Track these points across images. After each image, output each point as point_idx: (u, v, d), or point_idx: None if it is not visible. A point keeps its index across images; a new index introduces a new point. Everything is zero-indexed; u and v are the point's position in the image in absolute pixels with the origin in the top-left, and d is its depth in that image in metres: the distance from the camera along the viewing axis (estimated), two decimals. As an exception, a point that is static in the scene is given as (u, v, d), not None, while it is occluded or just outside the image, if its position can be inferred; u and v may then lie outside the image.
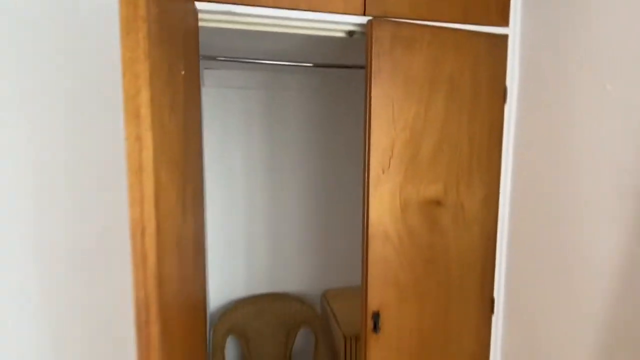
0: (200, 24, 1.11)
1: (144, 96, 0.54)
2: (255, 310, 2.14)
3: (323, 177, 2.28)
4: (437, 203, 1.27)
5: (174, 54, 0.77)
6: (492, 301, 1.40)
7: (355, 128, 2.24)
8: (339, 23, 1.18)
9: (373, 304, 1.23)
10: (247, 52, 1.77)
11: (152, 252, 0.57)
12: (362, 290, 1.24)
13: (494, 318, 1.41)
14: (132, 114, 0.53)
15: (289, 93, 2.17)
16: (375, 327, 1.24)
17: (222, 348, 1.95)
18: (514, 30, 1.29)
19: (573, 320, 1.09)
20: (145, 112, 0.54)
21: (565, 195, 1.11)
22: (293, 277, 2.31)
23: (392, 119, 1.17)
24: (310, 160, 2.25)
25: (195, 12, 1.06)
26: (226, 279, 2.19)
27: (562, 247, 1.12)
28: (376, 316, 1.23)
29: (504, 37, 1.28)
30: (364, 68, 1.17)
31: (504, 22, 1.28)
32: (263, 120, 2.16)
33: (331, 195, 2.31)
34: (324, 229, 2.33)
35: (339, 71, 2.08)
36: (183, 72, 0.85)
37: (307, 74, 2.16)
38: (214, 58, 1.64)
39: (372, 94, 1.15)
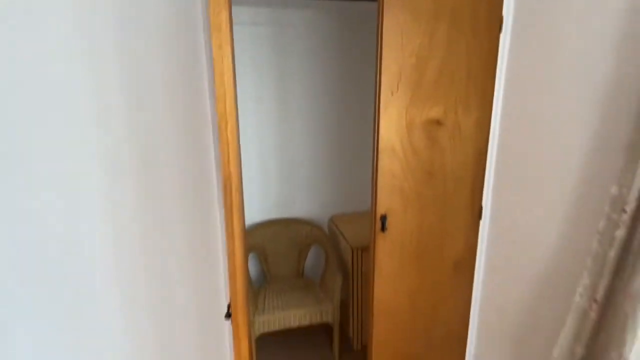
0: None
1: (224, 15, 0.70)
2: (271, 232, 2.42)
3: (332, 111, 2.45)
4: (438, 123, 1.47)
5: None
6: (481, 209, 1.65)
7: (362, 62, 2.37)
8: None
9: (381, 209, 1.48)
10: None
11: (233, 139, 0.78)
12: (372, 196, 1.48)
13: (481, 223, 1.67)
14: (216, 28, 0.70)
15: (297, 29, 2.27)
16: (383, 228, 1.49)
17: (246, 263, 2.25)
18: (512, -37, 1.40)
19: (546, 221, 1.34)
20: (225, 27, 0.71)
21: (548, 116, 1.30)
22: (303, 205, 2.57)
23: (400, 47, 1.32)
24: (320, 93, 2.40)
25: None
26: (246, 207, 2.44)
27: (541, 160, 1.34)
28: (384, 218, 1.48)
29: (503, -30, 1.40)
30: (376, 0, 1.30)
31: (504, -46, 1.39)
32: (272, 54, 2.27)
33: (339, 131, 2.50)
34: (332, 161, 2.55)
35: (348, 6, 2.17)
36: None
37: (316, 10, 2.24)
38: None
39: (384, 24, 1.29)
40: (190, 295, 1.39)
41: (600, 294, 1.01)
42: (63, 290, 1.18)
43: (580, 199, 1.20)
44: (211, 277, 1.42)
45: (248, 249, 2.33)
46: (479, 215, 1.66)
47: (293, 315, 2.06)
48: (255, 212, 2.47)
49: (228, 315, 1.03)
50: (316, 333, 2.49)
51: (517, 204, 1.48)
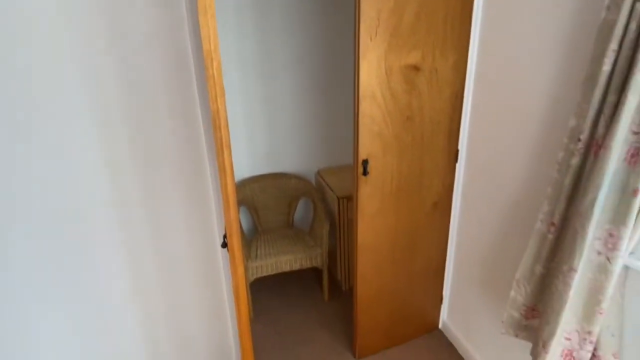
0: None
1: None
2: (260, 187, 2.50)
3: (316, 64, 2.46)
4: (416, 68, 1.51)
5: None
6: (457, 152, 1.75)
7: (344, 12, 2.35)
8: None
9: (363, 153, 1.55)
10: None
11: (219, 76, 0.82)
12: (353, 142, 1.55)
13: (457, 165, 1.78)
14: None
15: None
16: (365, 172, 1.58)
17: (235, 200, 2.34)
18: None
19: (515, 157, 1.44)
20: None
21: (519, 57, 1.36)
22: (289, 159, 2.63)
23: (378, -10, 1.34)
24: (303, 45, 2.39)
25: None
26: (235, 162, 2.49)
27: (512, 100, 1.42)
28: (365, 163, 1.57)
29: None
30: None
31: None
32: (253, 11, 2.23)
33: (324, 84, 2.52)
34: (317, 115, 2.59)
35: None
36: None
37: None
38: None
39: (361, -33, 1.30)
40: (185, 235, 1.48)
41: (557, 217, 1.13)
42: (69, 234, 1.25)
43: (545, 133, 1.29)
44: (205, 215, 1.51)
45: (238, 202, 2.41)
46: (456, 158, 1.76)
47: (285, 260, 2.19)
48: (244, 167, 2.53)
49: (224, 244, 1.12)
50: (307, 277, 2.65)
51: (489, 144, 1.58)
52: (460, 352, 1.95)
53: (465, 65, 1.59)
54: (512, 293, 1.30)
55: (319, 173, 2.63)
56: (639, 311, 1.05)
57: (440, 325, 2.13)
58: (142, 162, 1.31)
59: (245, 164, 2.53)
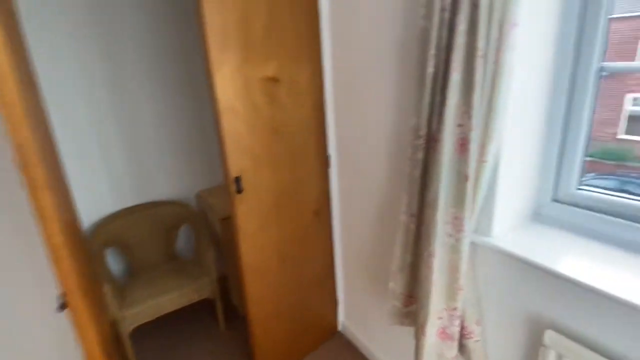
0: None
1: None
2: (130, 221, 2.20)
3: (174, 83, 2.28)
4: (275, 80, 1.50)
5: None
6: (328, 157, 1.80)
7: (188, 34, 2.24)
8: None
9: (234, 171, 1.47)
10: None
11: (17, 100, 0.65)
12: (222, 159, 1.46)
13: (330, 171, 1.83)
14: None
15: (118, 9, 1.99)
16: (239, 189, 1.50)
17: (102, 260, 2.01)
18: None
19: (377, 157, 1.54)
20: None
21: (363, 66, 1.46)
22: (162, 186, 2.39)
23: (221, 1, 1.28)
24: (156, 65, 2.19)
25: None
26: (91, 199, 2.14)
27: (366, 106, 1.51)
28: (238, 180, 1.49)
29: None
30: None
31: None
32: (98, 37, 1.96)
33: (186, 102, 2.35)
34: (185, 136, 2.40)
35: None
36: None
37: None
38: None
39: (200, -23, 1.23)
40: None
41: (414, 208, 1.23)
42: None
43: (397, 133, 1.41)
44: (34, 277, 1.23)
45: (103, 243, 2.08)
46: (328, 164, 1.81)
47: (167, 300, 1.96)
48: (107, 202, 2.19)
49: (63, 306, 0.91)
50: (200, 308, 2.43)
51: (356, 147, 1.66)
52: (361, 349, 2.01)
53: (322, 76, 1.64)
54: (391, 284, 1.38)
55: (199, 195, 2.45)
56: (488, 279, 1.20)
57: (339, 328, 2.16)
58: None
59: (108, 198, 2.20)
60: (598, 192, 1.12)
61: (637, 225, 1.00)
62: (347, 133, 1.70)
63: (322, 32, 1.59)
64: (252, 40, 1.40)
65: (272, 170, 1.58)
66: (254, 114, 1.47)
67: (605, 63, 1.03)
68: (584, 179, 1.16)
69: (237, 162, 1.47)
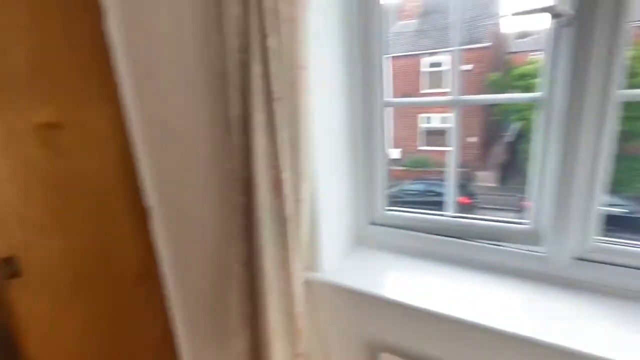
0: None
1: None
2: None
3: None
4: (56, 127, 1.20)
5: None
6: (148, 209, 1.55)
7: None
8: None
9: (2, 251, 1.09)
10: None
11: None
12: (-23, 240, 1.06)
13: (153, 223, 1.58)
14: None
15: None
16: (15, 273, 1.12)
17: None
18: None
19: (199, 203, 1.39)
20: None
21: (173, 108, 1.31)
22: None
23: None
24: None
25: None
26: None
27: (184, 152, 1.36)
28: (11, 261, 1.11)
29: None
30: None
31: None
32: None
33: None
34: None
35: None
36: None
37: None
38: None
39: None
40: None
41: (244, 255, 1.13)
42: None
43: (219, 177, 1.30)
44: None
45: None
46: (148, 217, 1.56)
47: None
48: None
49: None
50: None
51: (178, 195, 1.48)
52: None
53: (125, 118, 1.42)
54: (233, 341, 1.24)
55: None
56: (329, 314, 1.19)
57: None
58: None
59: None
60: (405, 212, 1.26)
61: (440, 237, 1.15)
62: (167, 179, 1.50)
63: (118, 68, 1.38)
64: (12, 80, 1.09)
65: (64, 239, 1.25)
66: (27, 172, 1.13)
67: (388, 99, 1.17)
68: (393, 189, 1.29)
69: (7, 239, 1.10)
